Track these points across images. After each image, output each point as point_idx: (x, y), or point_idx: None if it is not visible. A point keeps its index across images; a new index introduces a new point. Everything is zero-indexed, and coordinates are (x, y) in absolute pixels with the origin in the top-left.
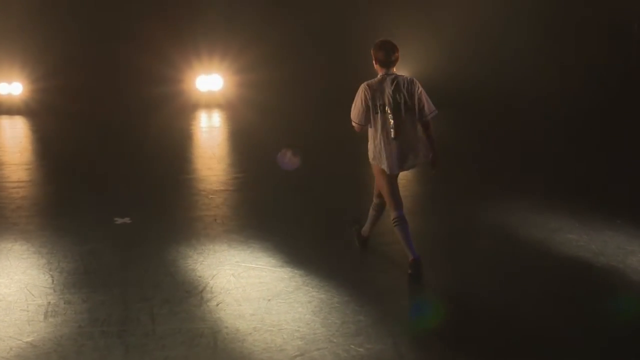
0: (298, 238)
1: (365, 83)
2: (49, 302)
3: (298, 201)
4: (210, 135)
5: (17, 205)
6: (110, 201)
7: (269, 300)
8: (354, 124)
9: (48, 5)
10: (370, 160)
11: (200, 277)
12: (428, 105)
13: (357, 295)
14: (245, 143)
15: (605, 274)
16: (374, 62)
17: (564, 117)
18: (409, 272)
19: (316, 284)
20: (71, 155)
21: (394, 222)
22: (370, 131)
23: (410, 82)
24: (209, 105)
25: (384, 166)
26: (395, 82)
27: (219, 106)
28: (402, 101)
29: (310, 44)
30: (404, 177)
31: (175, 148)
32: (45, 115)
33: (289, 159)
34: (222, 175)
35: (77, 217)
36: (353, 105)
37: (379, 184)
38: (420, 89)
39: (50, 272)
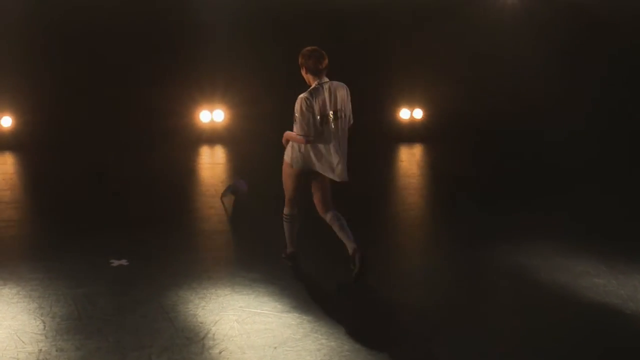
0: (306, 281)
1: (305, 95)
2: (40, 350)
3: (306, 242)
4: (212, 171)
5: (6, 245)
6: (106, 242)
7: (275, 348)
8: (302, 137)
9: (41, 35)
10: (290, 162)
11: (201, 323)
12: (350, 114)
13: (369, 343)
14: (250, 180)
15: (636, 321)
16: (303, 71)
17: (589, 158)
18: (288, 263)
19: (325, 331)
20: (65, 193)
21: (285, 218)
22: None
23: (346, 90)
24: (211, 140)
25: (309, 170)
26: (330, 89)
27: (222, 140)
28: (338, 108)
29: None
30: (416, 216)
31: (176, 185)
32: (37, 150)
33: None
34: (225, 214)
35: (71, 259)
36: (300, 119)
37: (287, 181)
38: (350, 96)
39: (42, 318)
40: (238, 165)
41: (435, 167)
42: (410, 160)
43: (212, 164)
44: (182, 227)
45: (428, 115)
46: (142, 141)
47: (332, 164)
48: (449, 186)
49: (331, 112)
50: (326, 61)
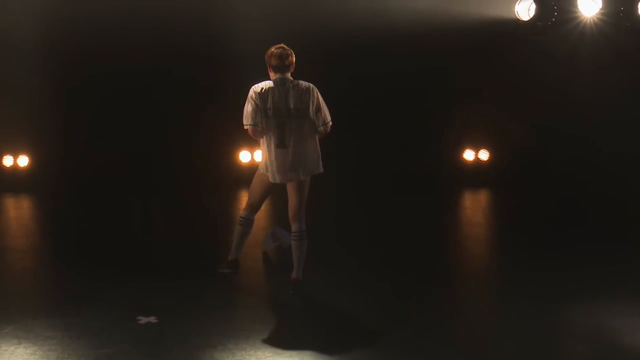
0: (354, 335)
1: (254, 85)
2: None
3: (355, 298)
4: None
5: (21, 299)
6: (133, 296)
7: None
8: (246, 127)
9: (63, 70)
10: (261, 171)
11: None
12: (324, 115)
13: None
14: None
15: None
16: (268, 69)
17: None
18: (225, 271)
19: None
20: (86, 240)
21: (239, 221)
22: (263, 138)
23: (306, 90)
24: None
25: (270, 175)
26: (286, 86)
27: None
28: (292, 107)
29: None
30: (480, 270)
31: (212, 232)
32: (55, 192)
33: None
34: (265, 265)
35: (93, 315)
36: (244, 107)
37: (255, 185)
38: (318, 97)
39: None
40: (280, 212)
41: (502, 216)
42: (474, 207)
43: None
44: (217, 280)
45: (495, 156)
46: (175, 183)
47: (275, 165)
48: (517, 237)
49: (280, 109)
50: (290, 59)
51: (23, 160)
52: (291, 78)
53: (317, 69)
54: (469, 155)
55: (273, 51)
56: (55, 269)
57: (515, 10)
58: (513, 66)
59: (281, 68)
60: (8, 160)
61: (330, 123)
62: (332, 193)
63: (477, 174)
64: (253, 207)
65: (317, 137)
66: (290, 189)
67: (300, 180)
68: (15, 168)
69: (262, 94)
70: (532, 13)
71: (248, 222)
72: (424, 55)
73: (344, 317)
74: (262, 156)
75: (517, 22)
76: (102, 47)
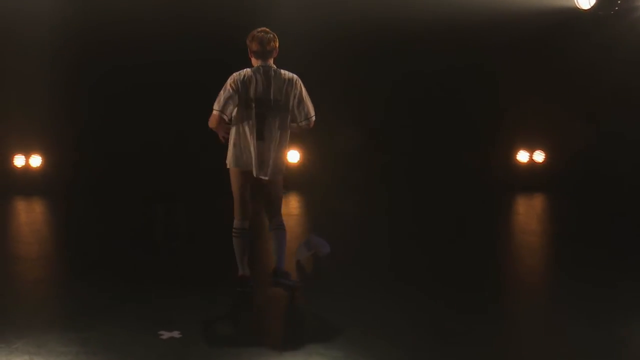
0: (398, 351)
1: (236, 72)
2: None
3: (400, 311)
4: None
5: (33, 311)
6: (154, 309)
7: None
8: (214, 112)
9: (74, 69)
10: (229, 164)
11: None
12: (307, 109)
13: None
14: (329, 236)
15: None
16: (249, 55)
17: None
18: (238, 289)
19: None
20: (103, 248)
21: (233, 233)
22: (233, 129)
23: (289, 81)
24: (285, 185)
25: (248, 167)
26: (268, 74)
27: (296, 186)
28: (273, 98)
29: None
30: (535, 282)
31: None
32: (69, 195)
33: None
34: (299, 277)
35: (111, 329)
36: (221, 93)
37: (232, 188)
38: (302, 89)
39: None
40: (315, 217)
41: (559, 223)
42: (528, 212)
43: (284, 215)
44: (246, 293)
45: (551, 158)
46: (197, 185)
47: (256, 158)
48: (574, 247)
49: (260, 99)
50: (272, 44)
51: (36, 160)
52: (274, 66)
53: (367, 68)
54: (522, 156)
55: (254, 34)
56: (69, 279)
57: None
58: (571, 60)
59: (263, 54)
60: (19, 160)
61: (314, 118)
62: (378, 197)
63: (531, 177)
64: (243, 212)
65: (289, 134)
66: (266, 184)
67: (265, 176)
68: (27, 168)
69: (244, 83)
70: (592, 1)
71: (243, 232)
72: (476, 49)
73: (387, 331)
74: (231, 148)
75: (577, 12)
76: (119, 45)
